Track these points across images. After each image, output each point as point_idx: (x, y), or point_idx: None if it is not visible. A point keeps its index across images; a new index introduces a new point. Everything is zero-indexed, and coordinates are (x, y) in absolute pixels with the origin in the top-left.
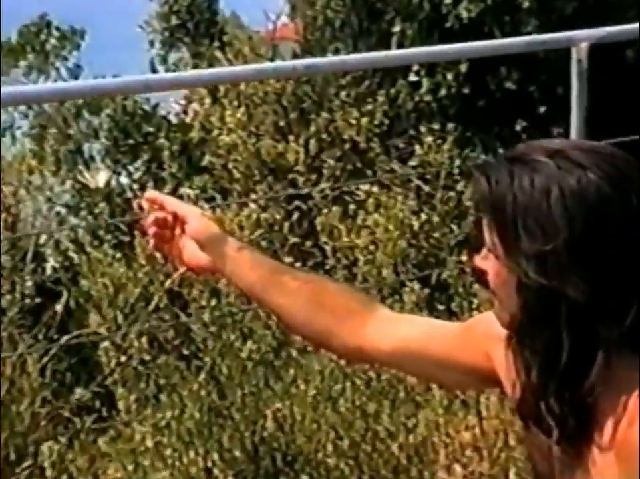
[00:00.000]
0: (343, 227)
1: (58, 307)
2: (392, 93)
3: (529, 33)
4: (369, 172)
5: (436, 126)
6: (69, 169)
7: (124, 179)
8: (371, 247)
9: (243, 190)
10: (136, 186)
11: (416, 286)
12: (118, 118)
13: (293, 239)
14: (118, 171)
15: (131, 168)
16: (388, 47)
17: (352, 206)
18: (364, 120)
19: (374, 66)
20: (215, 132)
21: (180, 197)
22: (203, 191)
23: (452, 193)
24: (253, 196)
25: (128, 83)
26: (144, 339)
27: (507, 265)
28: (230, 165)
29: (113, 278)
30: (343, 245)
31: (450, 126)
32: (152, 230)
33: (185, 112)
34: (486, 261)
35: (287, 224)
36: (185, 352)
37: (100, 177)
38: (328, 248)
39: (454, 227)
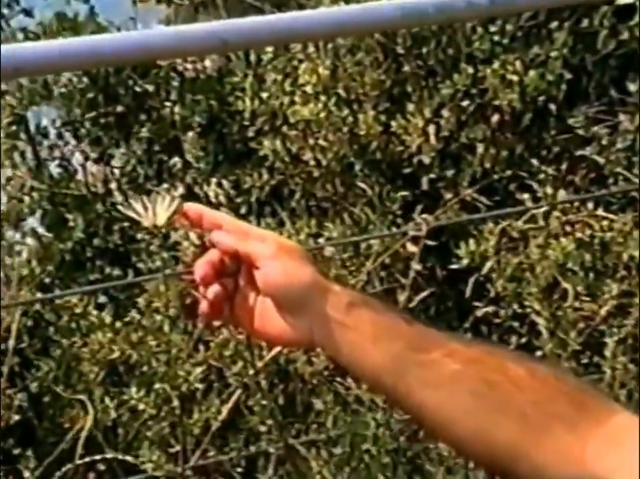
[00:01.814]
0: (570, 288)
1: None
2: (580, 27)
3: None
4: (534, 162)
5: None
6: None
7: (91, 167)
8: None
9: (330, 199)
10: (125, 184)
11: None
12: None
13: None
14: (88, 155)
15: (117, 153)
16: None
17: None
18: (531, 75)
19: None
20: (273, 97)
21: (208, 201)
22: (241, 192)
23: None
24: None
25: (187, 37)
26: None
27: None
28: (307, 156)
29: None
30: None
31: None
32: (210, 293)
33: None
34: None
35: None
36: None
37: (159, 209)
38: (541, 320)
39: None
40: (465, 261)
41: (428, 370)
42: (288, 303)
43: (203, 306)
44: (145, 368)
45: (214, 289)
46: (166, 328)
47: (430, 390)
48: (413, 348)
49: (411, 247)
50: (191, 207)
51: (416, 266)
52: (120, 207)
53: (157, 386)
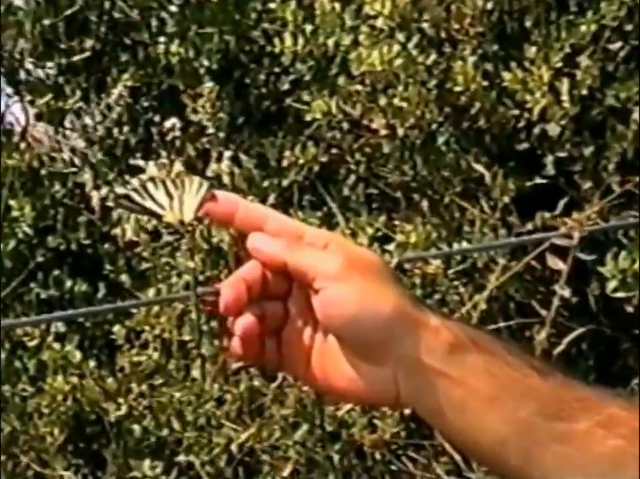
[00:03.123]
0: None
1: None
2: None
3: None
4: None
5: None
6: None
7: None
8: None
9: (406, 186)
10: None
11: None
12: None
13: None
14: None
15: (84, 110)
16: None
17: None
18: None
19: None
20: (325, 33)
21: (219, 184)
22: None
23: None
24: None
25: None
26: None
27: None
28: (375, 121)
29: None
30: None
31: None
32: (239, 326)
33: None
34: None
35: None
36: None
37: (188, 198)
38: None
39: None
40: (612, 284)
41: (575, 448)
42: (361, 344)
43: (234, 344)
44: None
45: (245, 321)
46: (196, 372)
47: (578, 477)
48: (551, 414)
49: (552, 262)
50: (221, 196)
51: (562, 291)
52: (130, 192)
53: (181, 458)
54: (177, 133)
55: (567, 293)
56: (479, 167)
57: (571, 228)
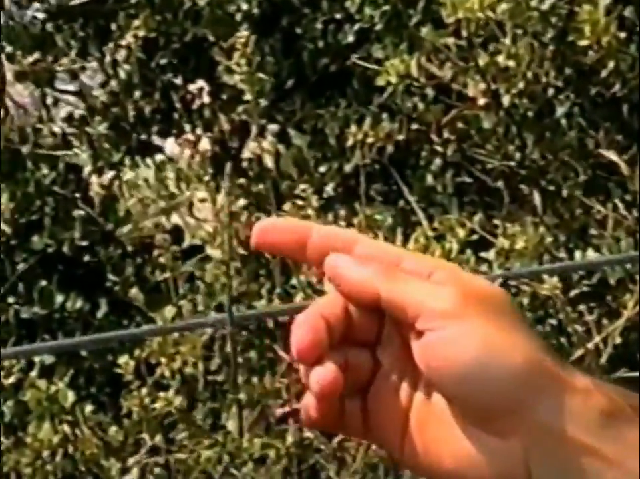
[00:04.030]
0: None
1: None
2: None
3: None
4: None
5: None
6: None
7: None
8: None
9: (510, 174)
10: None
11: None
12: None
13: None
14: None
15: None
16: None
17: None
18: None
19: None
20: None
21: (260, 168)
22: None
23: None
24: None
25: None
26: None
27: None
28: (470, 88)
29: None
30: None
31: None
32: (316, 378)
33: None
34: None
35: None
36: None
37: None
38: None
39: None
40: None
41: None
42: (481, 407)
43: (308, 403)
44: None
45: (327, 373)
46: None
47: None
48: None
49: None
50: (282, 224)
51: None
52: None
53: None
54: (206, 100)
55: None
56: (609, 155)
57: None
